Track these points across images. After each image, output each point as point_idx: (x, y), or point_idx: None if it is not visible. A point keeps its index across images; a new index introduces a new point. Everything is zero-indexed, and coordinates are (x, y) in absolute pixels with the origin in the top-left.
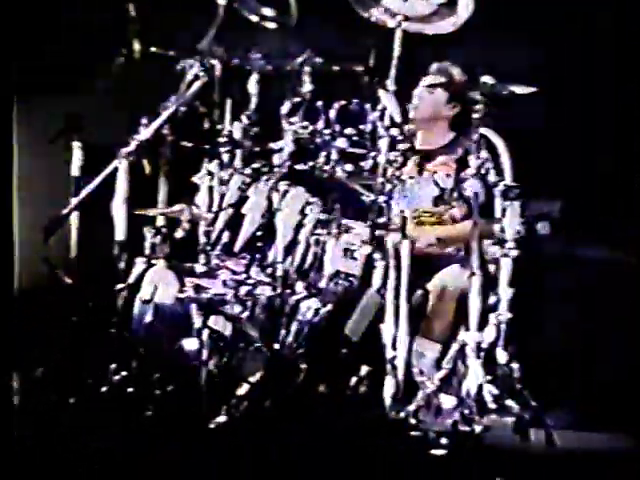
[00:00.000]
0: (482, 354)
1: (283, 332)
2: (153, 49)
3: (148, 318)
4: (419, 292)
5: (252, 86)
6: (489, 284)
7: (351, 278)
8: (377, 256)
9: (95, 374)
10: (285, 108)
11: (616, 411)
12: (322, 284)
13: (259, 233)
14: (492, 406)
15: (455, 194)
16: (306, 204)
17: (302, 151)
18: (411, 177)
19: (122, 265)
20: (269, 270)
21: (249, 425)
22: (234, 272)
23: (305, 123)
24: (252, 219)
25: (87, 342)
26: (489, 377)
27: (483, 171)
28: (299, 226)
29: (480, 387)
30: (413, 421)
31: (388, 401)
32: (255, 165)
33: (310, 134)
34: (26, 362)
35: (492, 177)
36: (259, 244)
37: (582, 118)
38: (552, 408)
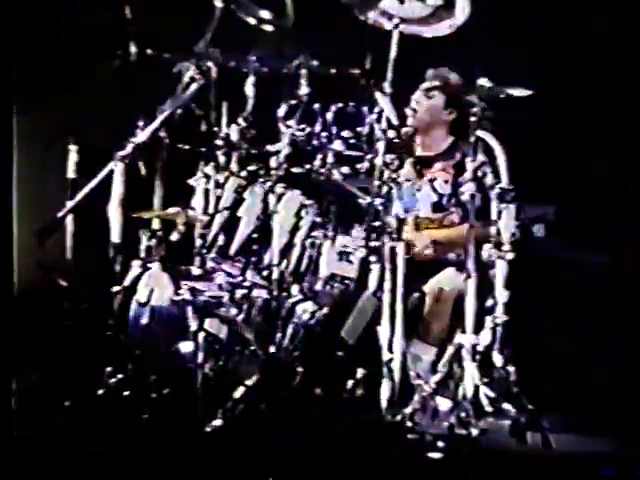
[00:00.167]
0: (478, 357)
1: (279, 335)
2: (149, 51)
3: (144, 321)
4: (415, 295)
5: (249, 89)
6: (485, 287)
7: (347, 281)
8: (373, 259)
9: (91, 377)
10: (282, 111)
11: (612, 414)
12: (318, 287)
13: (255, 236)
14: (488, 409)
15: (453, 200)
16: (302, 207)
17: (298, 154)
18: (408, 180)
19: (118, 268)
20: (265, 273)
21: (245, 428)
22: (230, 275)
23: (302, 126)
24: (248, 222)
25: (83, 345)
26: (485, 380)
27: (480, 174)
28: (295, 229)
29: (476, 390)
30: (409, 424)
31: (384, 404)
32: (251, 168)
33: (307, 137)
34: (23, 365)
35: (489, 180)
36: (255, 247)
37: (578, 121)
38: (548, 411)
